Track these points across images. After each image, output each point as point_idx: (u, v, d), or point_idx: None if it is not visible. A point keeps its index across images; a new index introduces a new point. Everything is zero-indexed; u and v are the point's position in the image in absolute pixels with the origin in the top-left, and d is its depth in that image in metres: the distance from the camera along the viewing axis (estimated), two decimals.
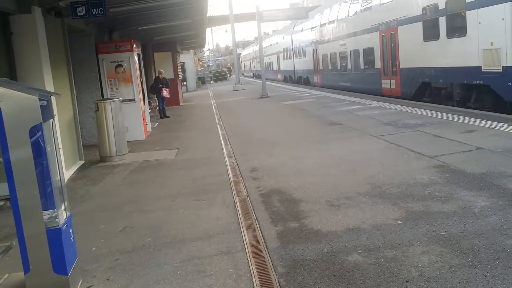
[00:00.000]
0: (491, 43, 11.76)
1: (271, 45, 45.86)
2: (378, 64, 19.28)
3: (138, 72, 13.29)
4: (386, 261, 4.03)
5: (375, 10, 19.11)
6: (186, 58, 42.04)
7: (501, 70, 11.51)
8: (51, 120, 4.08)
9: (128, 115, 12.96)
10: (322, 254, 4.32)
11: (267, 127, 13.34)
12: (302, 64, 32.42)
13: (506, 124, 9.53)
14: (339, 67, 24.32)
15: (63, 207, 4.03)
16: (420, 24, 15.43)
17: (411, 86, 16.54)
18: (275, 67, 45.89)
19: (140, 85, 13.72)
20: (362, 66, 21.12)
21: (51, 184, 3.88)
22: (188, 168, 8.90)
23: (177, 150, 11.06)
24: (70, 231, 4.05)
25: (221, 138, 11.99)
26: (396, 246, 4.32)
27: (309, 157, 8.63)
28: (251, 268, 4.20)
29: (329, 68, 25.97)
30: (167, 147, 11.62)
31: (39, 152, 3.78)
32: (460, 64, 13.27)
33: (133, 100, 13.06)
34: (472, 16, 12.45)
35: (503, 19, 11.23)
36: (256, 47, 52.25)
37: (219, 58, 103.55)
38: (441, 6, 13.95)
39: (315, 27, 27.68)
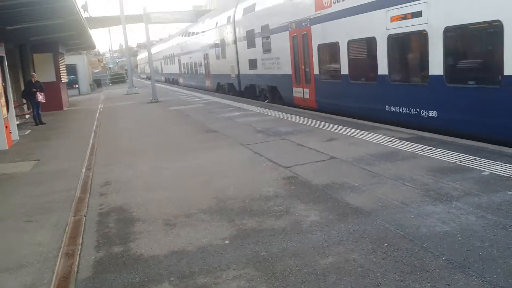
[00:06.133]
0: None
1: (160, 50, 51.17)
2: (203, 71, 29.85)
3: None
4: None
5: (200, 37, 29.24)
6: (78, 59, 40.06)
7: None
8: None
9: None
10: (132, 285, 3.99)
11: (143, 135, 12.82)
12: (172, 69, 44.27)
13: (367, 132, 9.84)
14: (189, 72, 35.32)
15: None
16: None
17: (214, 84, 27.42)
18: (160, 70, 52.58)
19: (2, 90, 12.59)
20: (197, 72, 31.89)
21: None
22: (38, 183, 8.19)
23: (37, 161, 10.24)
24: None
25: (90, 147, 11.30)
26: (211, 271, 4.09)
27: (170, 168, 8.30)
28: None
29: (186, 72, 37.04)
30: (28, 158, 10.73)
31: None
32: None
33: None
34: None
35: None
36: (159, 47, 51.50)
37: (121, 59, 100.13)
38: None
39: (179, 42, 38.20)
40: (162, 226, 5.37)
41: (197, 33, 29.98)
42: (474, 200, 5.16)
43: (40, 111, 17.43)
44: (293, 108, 15.23)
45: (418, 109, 10.02)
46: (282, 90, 17.17)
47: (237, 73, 22.23)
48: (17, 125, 17.19)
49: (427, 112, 9.78)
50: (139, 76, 78.36)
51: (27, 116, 18.49)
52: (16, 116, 17.75)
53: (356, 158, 7.65)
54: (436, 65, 9.25)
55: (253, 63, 19.64)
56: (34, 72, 20.67)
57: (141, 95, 28.85)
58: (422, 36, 9.57)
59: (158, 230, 5.25)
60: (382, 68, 10.99)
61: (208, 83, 29.01)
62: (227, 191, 6.51)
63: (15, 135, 13.54)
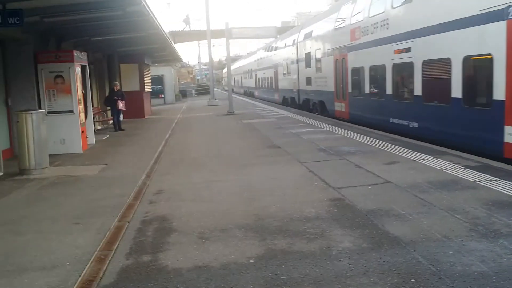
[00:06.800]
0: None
1: (241, 66, 56.78)
2: (273, 85, 33.92)
3: (78, 83, 12.96)
4: None
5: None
6: (166, 70, 41.90)
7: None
8: None
9: (66, 127, 12.74)
10: None
11: (209, 146, 13.07)
12: (249, 82, 49.17)
13: (432, 157, 9.33)
14: (263, 85, 39.77)
15: None
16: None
17: (280, 97, 31.68)
18: (240, 84, 57.86)
19: (82, 97, 13.41)
20: (268, 86, 36.35)
21: None
22: (98, 186, 8.59)
23: (105, 165, 10.75)
24: None
25: (156, 156, 11.70)
26: None
27: (223, 182, 8.38)
28: None
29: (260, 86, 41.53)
30: (98, 162, 11.30)
31: None
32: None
33: (71, 111, 12.74)
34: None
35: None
36: (241, 62, 53.05)
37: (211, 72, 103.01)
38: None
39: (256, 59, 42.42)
40: (196, 239, 5.39)
41: (270, 52, 35.03)
42: None
43: (120, 118, 18.35)
44: (363, 128, 14.87)
45: (407, 121, 13.04)
46: (328, 104, 20.50)
47: (297, 88, 25.87)
48: (98, 130, 18.34)
49: (412, 123, 12.77)
50: (224, 88, 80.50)
51: (110, 122, 19.52)
52: (97, 121, 18.92)
53: (411, 184, 7.26)
54: (417, 88, 12.36)
55: (308, 81, 23.21)
56: (118, 81, 21.91)
57: (220, 107, 29.50)
58: (410, 65, 12.64)
59: (190, 242, 5.28)
60: (388, 88, 14.11)
61: (276, 96, 32.98)
62: (270, 208, 6.43)
63: (92, 139, 14.32)
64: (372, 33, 15.09)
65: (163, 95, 41.17)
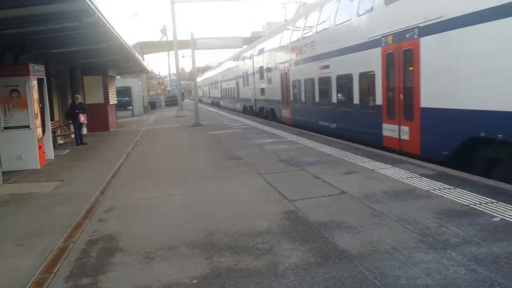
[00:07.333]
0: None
1: (209, 77, 60.32)
2: (235, 95, 37.41)
3: (35, 97, 12.60)
4: None
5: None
6: (133, 82, 41.45)
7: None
8: None
9: (22, 142, 12.35)
10: None
11: (170, 159, 12.87)
12: (216, 93, 52.86)
13: (391, 166, 9.35)
14: (227, 96, 42.88)
15: None
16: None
17: (241, 106, 34.75)
18: (208, 94, 61.73)
19: (39, 111, 13.04)
20: (231, 96, 39.37)
21: None
22: (50, 204, 8.29)
23: (60, 182, 10.43)
24: None
25: (114, 170, 11.42)
26: None
27: (179, 196, 8.20)
28: None
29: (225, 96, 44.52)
30: (54, 178, 10.96)
31: None
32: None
33: (27, 127, 12.35)
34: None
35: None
36: (208, 74, 53.09)
37: (178, 83, 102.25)
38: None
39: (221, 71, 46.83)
40: (141, 258, 5.20)
41: (233, 63, 38.25)
42: (472, 250, 4.66)
43: (82, 132, 17.95)
44: (326, 137, 14.91)
45: (329, 123, 16.01)
46: (277, 111, 23.45)
47: (254, 98, 28.92)
48: (60, 144, 17.90)
49: (332, 124, 15.69)
50: (193, 99, 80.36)
51: (72, 136, 19.06)
52: (59, 136, 18.47)
53: (366, 194, 7.23)
54: (334, 97, 15.42)
55: (262, 91, 26.21)
56: (82, 94, 21.51)
57: (188, 118, 29.26)
58: (329, 79, 15.61)
59: (134, 263, 5.08)
60: (317, 97, 17.14)
61: (238, 105, 36.17)
62: (222, 223, 6.29)
63: (51, 154, 13.93)
64: (305, 52, 18.20)
65: (131, 107, 40.66)
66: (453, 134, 9.04)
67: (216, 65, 62.43)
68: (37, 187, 10.01)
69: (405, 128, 10.82)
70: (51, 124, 16.33)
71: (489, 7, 7.87)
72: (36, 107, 12.73)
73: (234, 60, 38.24)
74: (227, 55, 47.89)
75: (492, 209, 6.00)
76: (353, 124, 13.93)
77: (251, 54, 29.18)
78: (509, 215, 5.69)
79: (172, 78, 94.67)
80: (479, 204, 6.24)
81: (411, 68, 10.46)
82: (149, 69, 46.19)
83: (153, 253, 5.33)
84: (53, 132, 17.27)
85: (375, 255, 4.75)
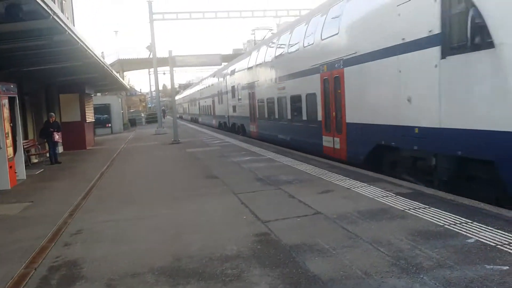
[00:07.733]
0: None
1: (188, 94, 64.25)
2: (211, 112, 39.98)
3: (5, 116, 12.27)
4: None
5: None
6: (112, 99, 41.08)
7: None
8: None
9: None
10: None
11: (145, 179, 12.61)
12: (194, 110, 56.87)
13: (367, 185, 9.24)
14: (204, 112, 45.94)
15: None
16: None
17: (217, 122, 37.11)
18: (188, 111, 65.43)
19: (10, 130, 12.70)
20: (208, 113, 42.30)
21: None
22: (15, 228, 7.98)
23: (30, 203, 10.12)
24: None
25: (86, 190, 11.12)
26: None
27: (150, 218, 7.95)
28: None
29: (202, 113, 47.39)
30: (24, 199, 10.62)
31: None
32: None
33: None
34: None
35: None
36: (188, 91, 53.02)
37: (162, 99, 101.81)
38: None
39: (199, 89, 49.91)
40: (103, 287, 4.95)
41: (209, 82, 41.53)
42: (445, 274, 4.51)
43: (56, 151, 17.57)
44: (305, 155, 14.80)
45: (285, 136, 18.52)
46: (246, 126, 25.63)
47: (228, 114, 31.27)
48: (34, 163, 17.48)
49: (287, 137, 18.22)
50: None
51: (47, 154, 18.65)
52: (33, 155, 18.05)
53: (341, 214, 7.07)
54: (288, 114, 17.74)
55: (234, 108, 28.67)
56: (58, 112, 21.14)
57: (167, 136, 28.96)
58: (286, 99, 17.96)
59: None
60: (276, 114, 19.44)
61: (214, 121, 38.74)
62: (192, 247, 6.07)
63: (22, 174, 13.56)
64: (267, 75, 20.57)
65: (110, 124, 40.22)
66: (365, 142, 11.61)
67: (197, 82, 62.64)
68: (4, 209, 9.67)
69: (337, 139, 13.41)
70: (25, 143, 16.00)
71: (377, 49, 10.64)
72: (7, 126, 12.40)
73: (213, 77, 40.05)
74: (209, 72, 47.88)
75: (466, 229, 5.89)
76: (303, 136, 16.49)
77: (225, 74, 31.67)
78: (484, 235, 5.58)
79: (153, 95, 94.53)
80: (454, 225, 6.13)
81: (340, 91, 12.97)
82: (129, 87, 45.83)
83: (116, 281, 5.09)
84: (27, 151, 16.91)
85: (346, 281, 4.58)
